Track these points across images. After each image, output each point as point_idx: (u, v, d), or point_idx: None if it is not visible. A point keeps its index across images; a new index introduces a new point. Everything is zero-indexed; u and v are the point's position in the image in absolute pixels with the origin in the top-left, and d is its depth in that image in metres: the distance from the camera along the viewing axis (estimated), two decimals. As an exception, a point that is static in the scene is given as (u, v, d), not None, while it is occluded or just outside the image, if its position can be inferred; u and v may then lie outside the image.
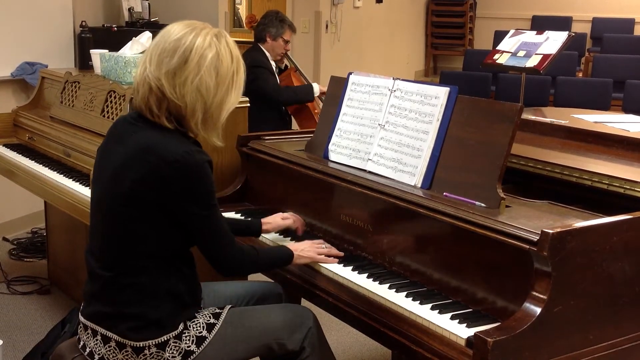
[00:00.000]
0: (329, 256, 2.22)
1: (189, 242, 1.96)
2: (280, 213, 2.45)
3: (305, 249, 2.20)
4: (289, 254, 2.17)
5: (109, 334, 1.91)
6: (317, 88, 4.61)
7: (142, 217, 1.87)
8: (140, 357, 1.90)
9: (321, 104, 3.96)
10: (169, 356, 1.91)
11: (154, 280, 1.90)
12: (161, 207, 1.86)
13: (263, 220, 2.40)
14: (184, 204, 1.86)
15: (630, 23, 9.72)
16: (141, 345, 1.89)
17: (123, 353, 1.90)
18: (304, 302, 2.36)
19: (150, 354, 1.90)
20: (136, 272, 1.90)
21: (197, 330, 1.96)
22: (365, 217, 2.25)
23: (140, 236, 1.88)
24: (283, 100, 4.57)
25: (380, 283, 2.05)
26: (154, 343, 1.89)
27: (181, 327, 1.94)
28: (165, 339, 1.90)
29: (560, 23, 9.58)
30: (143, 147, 1.86)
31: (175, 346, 1.92)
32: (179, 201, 1.86)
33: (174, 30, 1.91)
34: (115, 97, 3.09)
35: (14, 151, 3.56)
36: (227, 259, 1.99)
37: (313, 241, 2.26)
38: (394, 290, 2.01)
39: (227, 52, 1.93)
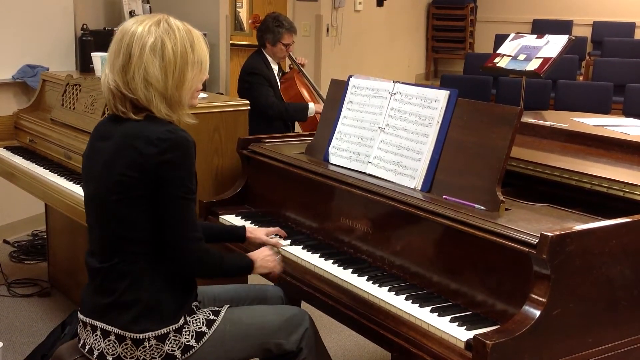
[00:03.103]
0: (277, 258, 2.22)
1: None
2: (265, 229, 2.43)
3: (262, 260, 2.16)
4: (249, 263, 2.13)
5: (109, 327, 1.92)
6: (312, 108, 4.54)
7: (135, 203, 1.89)
8: (140, 350, 1.91)
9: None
10: (168, 349, 1.92)
11: (150, 267, 1.92)
12: (148, 189, 1.88)
13: (248, 228, 2.39)
14: (162, 180, 1.86)
15: (630, 27, 9.72)
16: (141, 337, 1.90)
17: (122, 346, 1.91)
18: (304, 305, 2.36)
19: (150, 347, 1.91)
20: (133, 259, 1.92)
21: (196, 325, 1.98)
22: (365, 219, 2.25)
23: (134, 223, 1.90)
24: (272, 116, 4.48)
25: (379, 286, 2.06)
26: (153, 335, 1.90)
27: (182, 321, 1.95)
28: (166, 331, 1.92)
29: (561, 27, 9.59)
30: (128, 135, 1.90)
31: (175, 340, 1.93)
32: (160, 176, 1.86)
33: (121, 29, 1.96)
34: (116, 100, 3.09)
35: (15, 154, 3.57)
36: (187, 252, 1.92)
37: (261, 251, 2.21)
38: (394, 292, 2.01)
39: (169, 33, 1.92)
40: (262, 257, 2.17)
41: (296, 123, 4.82)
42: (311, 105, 4.57)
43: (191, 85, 1.97)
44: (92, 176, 2.00)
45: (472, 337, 1.68)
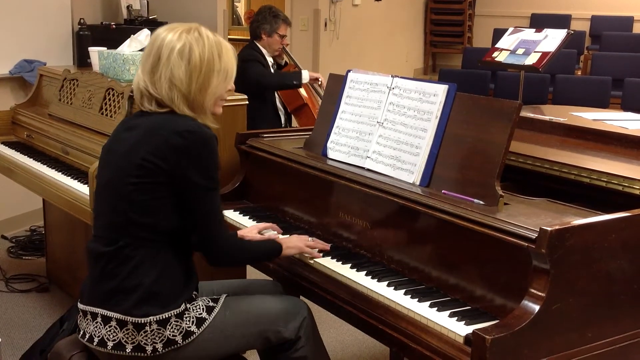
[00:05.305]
0: (315, 249, 2.24)
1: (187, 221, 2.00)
2: (256, 225, 2.41)
3: (292, 240, 2.23)
4: (278, 246, 2.18)
5: (110, 313, 1.94)
6: (306, 74, 4.46)
7: (150, 189, 1.93)
8: (141, 334, 1.92)
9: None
10: (169, 334, 1.93)
11: (154, 253, 1.95)
12: (169, 178, 1.93)
13: (239, 232, 2.35)
14: (189, 173, 1.93)
15: (629, 21, 9.73)
16: (142, 322, 1.91)
17: (124, 331, 1.92)
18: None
19: (152, 331, 1.91)
20: (138, 244, 1.95)
21: (197, 312, 1.99)
22: (364, 214, 2.25)
23: (146, 208, 1.94)
24: (267, 83, 4.43)
25: (378, 280, 2.05)
26: (155, 319, 1.91)
27: (183, 307, 1.96)
28: (167, 316, 1.93)
29: (559, 21, 9.59)
30: (155, 126, 1.98)
31: (177, 325, 1.94)
32: (185, 170, 1.93)
33: (154, 34, 2.07)
34: (113, 95, 3.09)
35: (13, 149, 3.56)
36: (218, 242, 2.01)
37: (299, 235, 2.29)
38: (393, 287, 2.01)
39: (198, 41, 2.01)
40: (288, 239, 2.24)
41: (294, 120, 4.80)
42: (305, 72, 4.49)
43: (215, 92, 2.04)
44: (110, 162, 2.04)
45: (471, 331, 1.67)
